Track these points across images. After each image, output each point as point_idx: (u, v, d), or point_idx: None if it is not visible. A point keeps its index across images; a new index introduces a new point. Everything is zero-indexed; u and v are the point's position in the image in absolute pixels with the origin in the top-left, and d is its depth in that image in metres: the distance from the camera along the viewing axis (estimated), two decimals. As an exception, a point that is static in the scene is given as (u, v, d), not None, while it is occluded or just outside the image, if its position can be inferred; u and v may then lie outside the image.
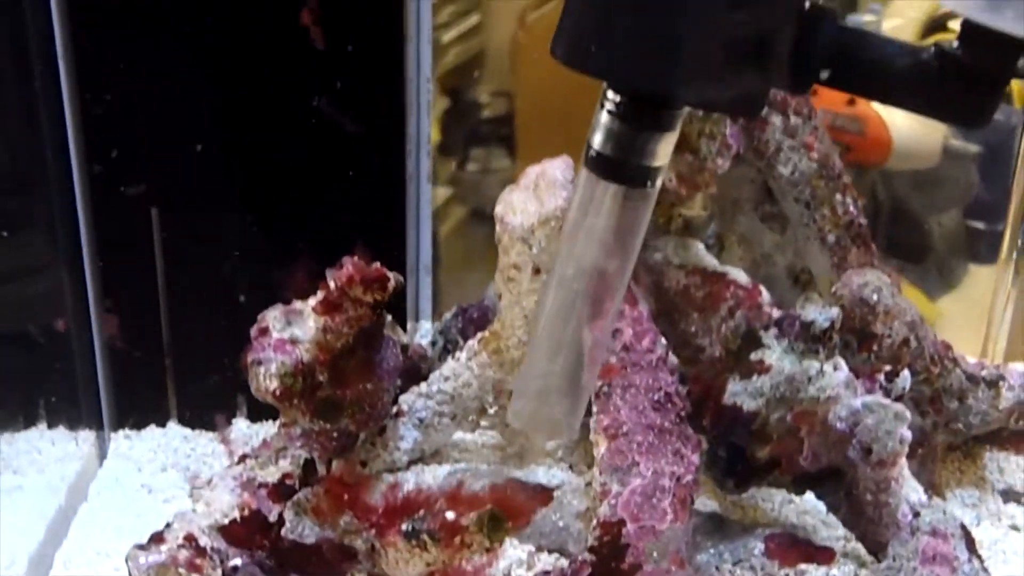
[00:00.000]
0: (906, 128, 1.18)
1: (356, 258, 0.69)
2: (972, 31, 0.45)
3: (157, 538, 0.63)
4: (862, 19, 1.37)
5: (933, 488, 0.80)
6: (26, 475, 0.79)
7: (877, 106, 1.19)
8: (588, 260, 0.53)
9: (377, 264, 0.69)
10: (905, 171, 1.21)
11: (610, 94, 0.48)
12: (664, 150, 0.49)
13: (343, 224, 0.82)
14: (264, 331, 0.69)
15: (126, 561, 0.62)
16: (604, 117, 0.48)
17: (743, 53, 0.45)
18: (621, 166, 0.49)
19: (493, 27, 1.27)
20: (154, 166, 0.79)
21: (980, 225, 1.11)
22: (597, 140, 0.49)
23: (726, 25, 0.44)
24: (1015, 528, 0.79)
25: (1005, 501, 0.82)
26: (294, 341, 0.68)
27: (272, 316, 0.70)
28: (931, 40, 1.29)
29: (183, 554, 0.61)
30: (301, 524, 0.66)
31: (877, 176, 1.23)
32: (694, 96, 0.47)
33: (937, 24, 1.19)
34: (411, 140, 0.90)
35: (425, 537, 0.67)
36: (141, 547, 0.62)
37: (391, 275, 0.69)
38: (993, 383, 0.78)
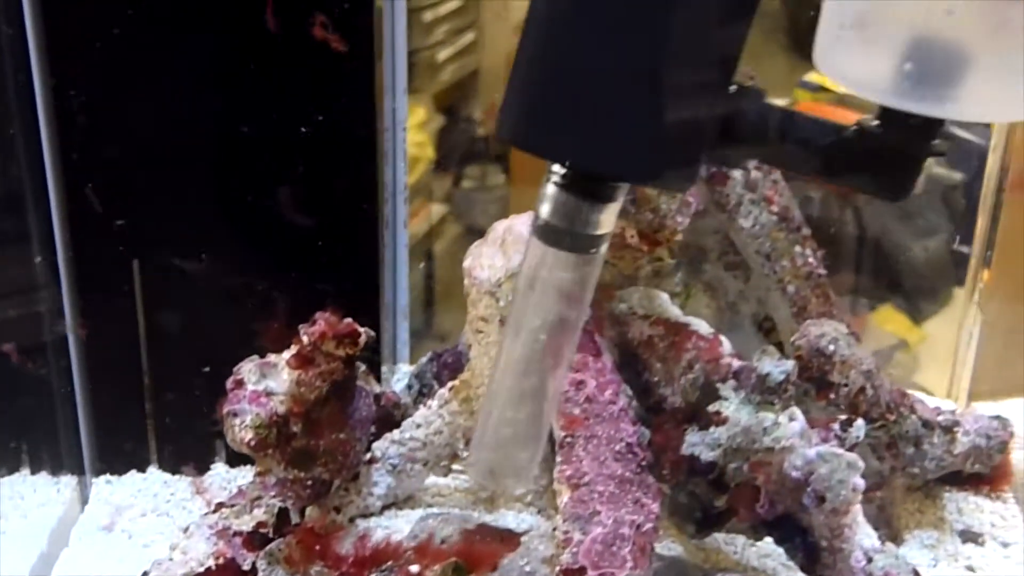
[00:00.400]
0: None
1: (329, 314, 0.72)
2: (890, 114, 0.48)
3: None
4: None
5: (892, 529, 0.82)
6: (9, 520, 0.80)
7: None
8: (539, 319, 0.56)
9: (349, 320, 0.71)
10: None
11: (555, 167, 0.51)
12: (607, 219, 0.52)
13: (319, 271, 0.84)
14: (240, 383, 0.72)
15: None
16: (550, 189, 0.51)
17: (675, 133, 0.48)
18: (567, 235, 0.52)
19: (488, 45, 1.29)
20: (135, 220, 0.81)
21: (966, 249, 1.13)
22: (544, 210, 0.52)
23: (658, 107, 0.47)
24: (971, 569, 0.81)
25: (963, 541, 0.83)
26: (269, 393, 0.71)
27: (247, 369, 0.72)
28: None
29: None
30: (274, 573, 0.68)
31: (863, 203, 1.27)
32: (629, 174, 0.50)
33: None
34: (387, 188, 0.92)
35: None
36: None
37: (362, 330, 0.71)
38: (948, 428, 0.80)
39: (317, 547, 0.69)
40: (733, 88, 0.49)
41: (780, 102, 1.21)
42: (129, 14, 0.76)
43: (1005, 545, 0.83)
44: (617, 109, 0.47)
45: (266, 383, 0.71)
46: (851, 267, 1.29)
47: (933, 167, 1.11)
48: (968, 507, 0.87)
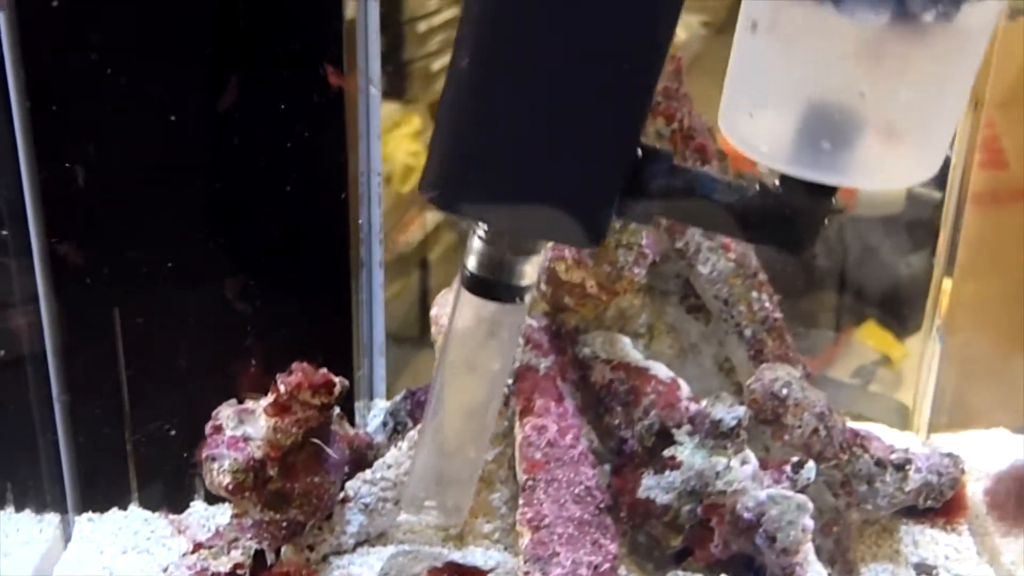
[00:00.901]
0: None
1: (305, 364, 0.75)
2: (790, 177, 0.51)
3: None
4: None
5: (848, 563, 0.85)
6: None
7: None
8: (474, 364, 0.60)
9: (324, 371, 0.74)
10: (873, 216, 1.26)
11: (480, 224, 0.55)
12: (530, 271, 0.56)
13: (294, 315, 0.87)
14: (218, 428, 0.75)
15: None
16: (476, 243, 0.55)
17: (584, 195, 0.52)
18: (493, 285, 0.56)
19: None
20: (115, 269, 0.83)
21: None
22: (471, 263, 0.56)
23: (568, 172, 0.51)
24: None
25: (918, 574, 0.86)
26: (246, 439, 0.74)
27: (225, 415, 0.75)
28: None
29: None
30: None
31: (847, 221, 1.29)
32: (544, 233, 0.54)
33: None
34: (363, 229, 0.95)
35: None
36: None
37: (337, 380, 0.74)
38: (900, 466, 0.83)
39: None
40: (639, 154, 0.52)
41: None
42: (107, 67, 0.79)
43: (959, 578, 0.86)
44: (530, 175, 0.51)
45: (244, 429, 0.74)
46: (835, 283, 1.32)
47: (915, 187, 1.13)
48: (924, 540, 0.89)
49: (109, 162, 0.81)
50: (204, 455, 0.74)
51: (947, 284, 1.04)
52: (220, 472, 0.72)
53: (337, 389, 0.73)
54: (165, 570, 0.73)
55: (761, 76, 0.51)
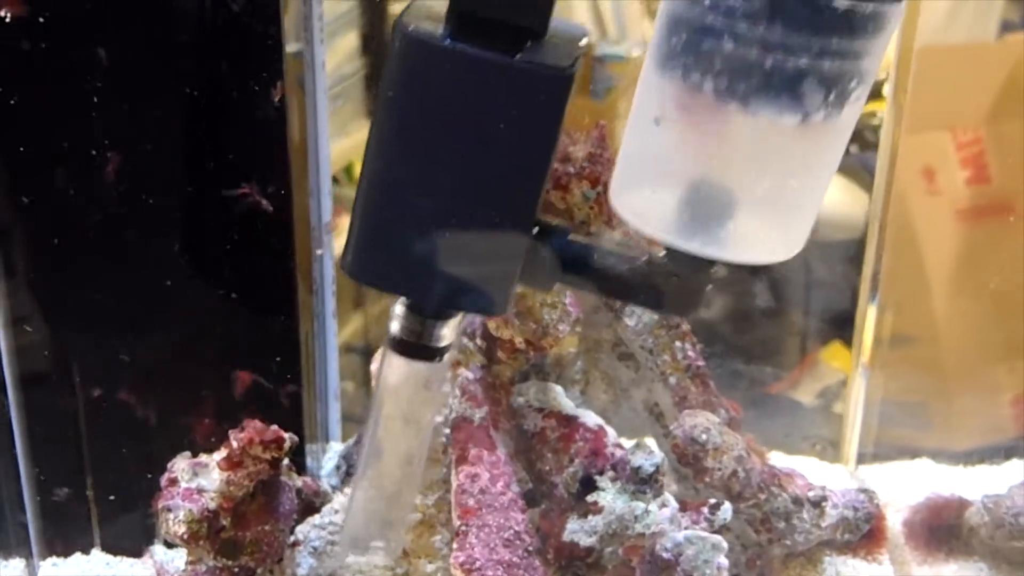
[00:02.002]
0: (831, 201, 1.31)
1: (256, 421, 0.80)
2: (673, 249, 0.57)
3: None
4: None
5: (773, 594, 0.90)
6: None
7: None
8: (406, 417, 0.65)
9: (275, 427, 0.79)
10: (834, 241, 1.31)
11: None
12: (448, 332, 0.62)
13: (249, 366, 0.92)
14: (174, 481, 0.79)
15: None
16: (398, 309, 0.61)
17: (487, 269, 0.58)
18: (414, 347, 0.61)
19: None
20: (73, 321, 0.88)
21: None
22: (394, 327, 0.61)
23: (471, 248, 0.57)
24: None
25: None
26: (200, 491, 0.78)
27: (181, 468, 0.79)
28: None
29: None
30: None
31: (811, 246, 1.34)
32: (452, 304, 0.60)
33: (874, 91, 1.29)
34: (316, 282, 1.00)
35: None
36: None
37: (287, 436, 0.79)
38: (817, 503, 0.88)
39: None
40: (535, 231, 0.58)
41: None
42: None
43: (877, 605, 0.92)
44: (436, 255, 0.57)
45: (198, 481, 0.79)
46: (801, 306, 1.37)
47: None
48: (846, 570, 0.94)
49: (58, 207, 0.85)
50: (160, 505, 0.78)
51: (871, 315, 1.08)
52: (176, 522, 0.77)
53: (287, 444, 0.78)
54: None
55: (652, 159, 0.56)
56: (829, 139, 0.55)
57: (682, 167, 0.55)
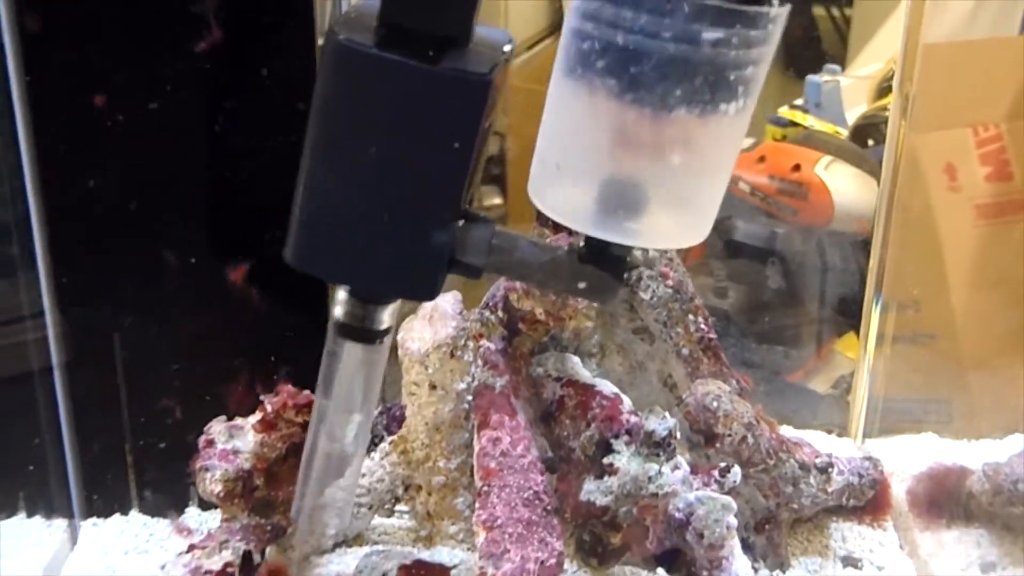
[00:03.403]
0: (846, 193, 1.30)
1: (289, 386, 0.84)
2: (591, 239, 0.61)
3: None
4: (821, 80, 1.47)
5: (781, 557, 0.94)
6: (7, 559, 0.90)
7: (820, 171, 1.32)
8: (341, 400, 0.70)
9: (307, 392, 0.83)
10: (850, 233, 1.33)
11: None
12: (387, 316, 0.66)
13: (276, 342, 0.95)
14: (211, 442, 0.83)
15: None
16: (341, 294, 0.65)
17: (415, 259, 0.62)
18: (356, 330, 0.66)
19: None
20: (116, 291, 0.92)
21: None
22: (337, 311, 0.66)
23: (400, 239, 0.61)
24: None
25: (844, 566, 0.94)
26: (236, 452, 0.82)
27: (217, 430, 0.84)
28: (881, 102, 1.40)
29: None
30: None
31: (824, 237, 1.32)
32: (384, 289, 0.65)
33: (887, 86, 1.30)
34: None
35: None
36: None
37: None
38: (824, 469, 0.92)
39: None
40: (461, 223, 0.62)
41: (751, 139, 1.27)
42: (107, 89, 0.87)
43: (880, 568, 0.94)
44: (369, 246, 0.61)
45: (234, 443, 0.83)
46: (816, 297, 1.39)
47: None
48: (852, 535, 0.97)
49: (110, 184, 0.89)
50: (198, 466, 0.82)
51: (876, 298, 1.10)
52: (212, 481, 0.81)
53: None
54: (163, 568, 0.81)
55: (565, 159, 0.60)
56: (717, 131, 0.58)
57: (594, 166, 0.59)
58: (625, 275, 0.64)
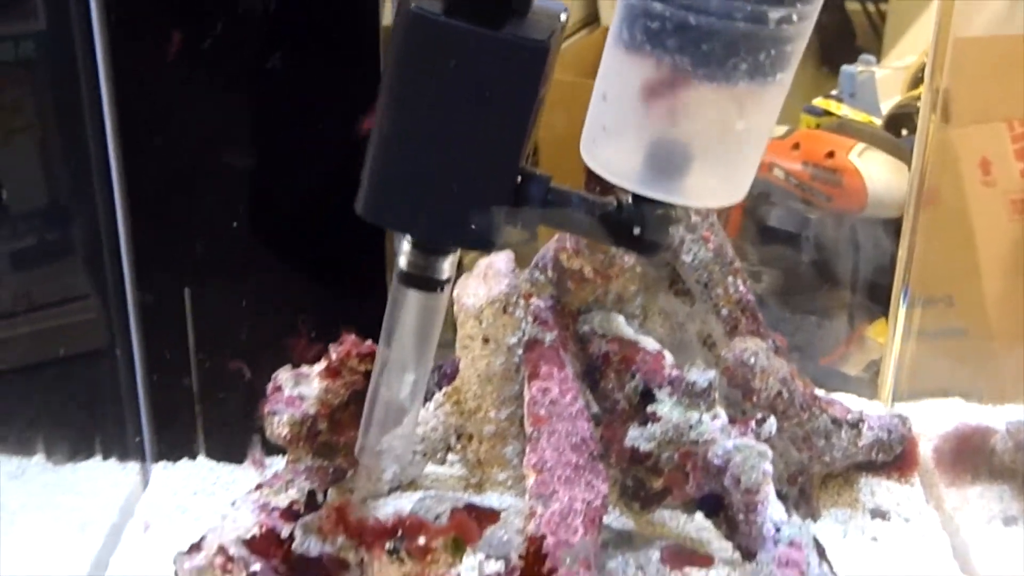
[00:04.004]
0: (880, 179, 1.32)
1: (353, 335, 0.89)
2: (639, 196, 0.66)
3: (195, 547, 0.81)
4: (856, 69, 1.50)
5: (812, 508, 0.99)
6: (86, 497, 0.96)
7: (854, 158, 1.34)
8: (401, 349, 0.75)
9: (370, 341, 0.88)
10: (885, 220, 1.35)
11: None
12: (448, 266, 0.71)
13: (338, 297, 1.01)
14: (278, 388, 0.88)
15: (173, 563, 0.81)
16: (405, 245, 0.70)
17: (478, 211, 0.67)
18: (419, 279, 0.71)
19: None
20: (187, 253, 0.98)
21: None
22: (401, 261, 0.71)
23: (464, 193, 0.66)
24: (875, 539, 0.97)
25: (872, 518, 0.98)
26: (301, 398, 0.87)
27: (284, 377, 0.89)
28: (915, 92, 1.42)
29: (218, 559, 0.80)
30: (308, 541, 0.84)
31: (858, 223, 1.35)
32: (449, 241, 0.70)
33: (922, 77, 1.32)
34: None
35: (403, 554, 0.83)
36: (185, 553, 0.81)
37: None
38: (854, 424, 0.97)
39: (343, 521, 0.84)
40: (519, 179, 0.67)
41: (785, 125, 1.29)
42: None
43: (907, 521, 0.99)
44: (435, 198, 0.67)
45: (299, 389, 0.88)
46: (849, 282, 1.41)
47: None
48: (880, 490, 1.02)
49: (186, 158, 0.95)
50: (266, 410, 0.87)
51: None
52: (279, 424, 0.86)
53: None
54: (232, 504, 0.87)
55: (615, 118, 0.65)
56: (768, 99, 0.63)
57: (648, 130, 0.64)
58: (669, 231, 0.69)
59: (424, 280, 0.72)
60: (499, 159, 0.66)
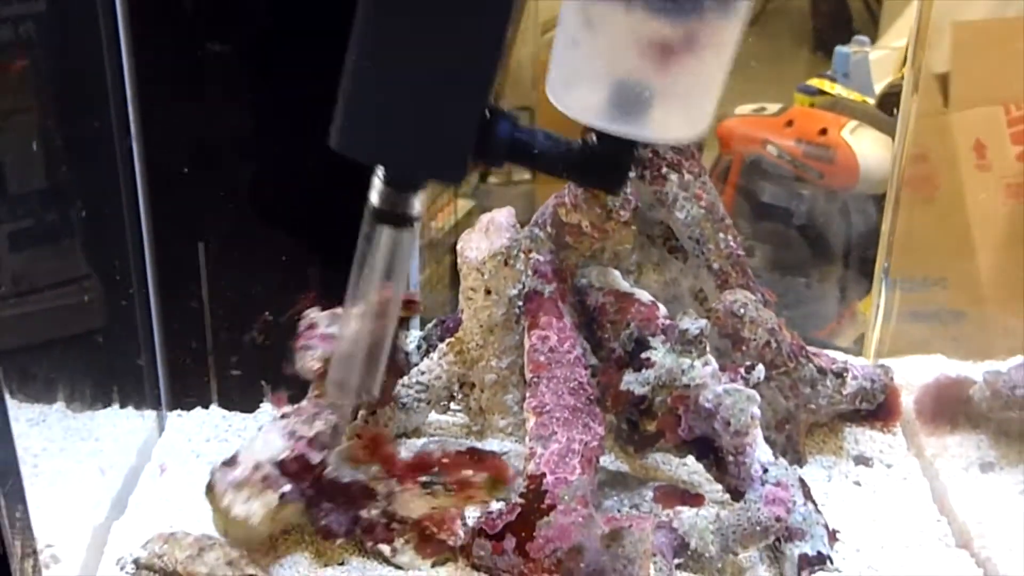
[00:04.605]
0: (872, 156, 1.34)
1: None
2: (603, 133, 0.70)
3: (231, 461, 0.85)
4: (850, 50, 1.51)
5: (799, 454, 1.03)
6: (105, 442, 1.00)
7: (846, 135, 1.37)
8: (375, 278, 0.77)
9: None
10: (876, 196, 1.34)
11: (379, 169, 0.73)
12: (418, 203, 0.74)
13: (345, 255, 1.05)
14: (312, 326, 0.91)
15: (211, 474, 0.84)
16: (376, 183, 0.73)
17: (445, 144, 0.70)
18: (391, 216, 0.74)
19: (516, 45, 1.41)
20: (203, 212, 1.02)
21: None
22: (374, 198, 0.73)
23: (433, 128, 0.69)
24: (858, 483, 1.01)
25: (856, 464, 1.02)
26: (334, 336, 0.89)
27: (320, 316, 0.91)
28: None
29: (256, 475, 0.84)
30: (340, 468, 0.87)
31: (850, 199, 1.38)
32: (419, 172, 0.72)
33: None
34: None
35: (439, 487, 0.86)
36: (222, 466, 0.84)
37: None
38: (839, 374, 1.01)
39: (376, 452, 0.87)
40: (487, 114, 0.71)
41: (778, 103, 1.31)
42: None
43: (889, 467, 1.03)
44: (405, 130, 0.69)
45: (333, 328, 0.90)
46: (841, 258, 1.43)
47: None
48: (864, 438, 1.06)
49: (200, 117, 0.99)
50: (299, 344, 0.90)
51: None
52: (311, 359, 0.89)
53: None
54: (260, 428, 0.89)
55: (581, 60, 0.69)
56: (730, 31, 0.67)
57: (604, 66, 0.68)
58: (632, 166, 0.72)
59: (396, 216, 0.74)
60: (467, 94, 0.69)
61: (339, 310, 0.91)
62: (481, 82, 0.69)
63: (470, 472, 0.85)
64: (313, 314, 0.91)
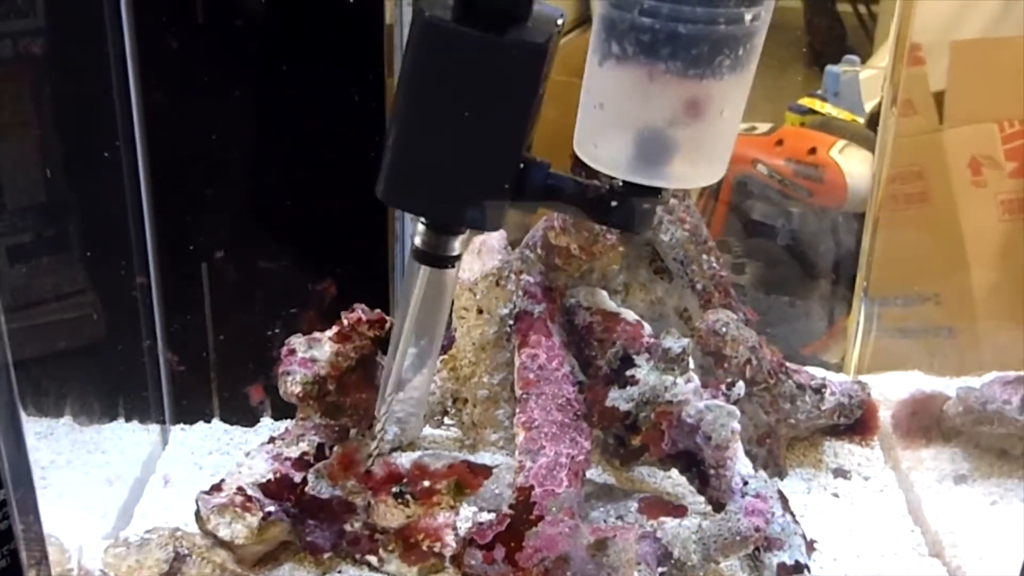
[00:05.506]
0: (860, 175, 1.37)
1: (363, 305, 0.97)
2: (628, 182, 0.75)
3: (216, 487, 0.89)
4: (840, 70, 1.55)
5: (779, 468, 1.07)
6: (111, 454, 1.03)
7: (834, 154, 1.40)
8: (416, 315, 0.83)
9: (379, 311, 0.96)
10: (862, 213, 1.33)
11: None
12: (458, 244, 0.80)
13: (345, 276, 1.09)
14: (292, 351, 0.96)
15: (196, 502, 0.88)
16: (419, 226, 0.79)
17: (484, 196, 0.76)
18: (431, 256, 0.79)
19: None
20: (206, 233, 1.06)
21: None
22: (417, 240, 0.79)
23: (472, 179, 0.75)
24: (836, 495, 1.04)
25: (834, 477, 1.05)
26: (313, 360, 0.95)
27: (298, 341, 0.96)
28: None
29: (238, 498, 0.88)
30: (319, 484, 0.92)
31: (838, 218, 1.40)
32: (458, 222, 0.78)
33: None
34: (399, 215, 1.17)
35: (408, 497, 0.91)
36: (207, 493, 0.89)
37: (388, 319, 0.97)
38: (818, 390, 1.05)
39: (350, 466, 0.92)
40: (521, 165, 0.75)
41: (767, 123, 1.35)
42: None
43: (866, 479, 1.07)
44: (446, 183, 0.75)
45: (312, 352, 0.95)
46: (830, 275, 1.45)
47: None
48: (842, 452, 1.10)
49: (205, 134, 1.02)
50: (280, 371, 0.95)
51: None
52: (292, 383, 0.94)
53: (387, 325, 0.96)
54: (247, 454, 0.95)
55: (607, 122, 0.74)
56: (744, 85, 0.72)
57: (628, 122, 0.72)
58: (656, 211, 0.77)
59: (435, 257, 0.80)
60: (503, 149, 0.75)
61: (317, 335, 0.95)
62: (516, 138, 0.74)
63: (427, 483, 0.91)
64: (293, 340, 0.95)
